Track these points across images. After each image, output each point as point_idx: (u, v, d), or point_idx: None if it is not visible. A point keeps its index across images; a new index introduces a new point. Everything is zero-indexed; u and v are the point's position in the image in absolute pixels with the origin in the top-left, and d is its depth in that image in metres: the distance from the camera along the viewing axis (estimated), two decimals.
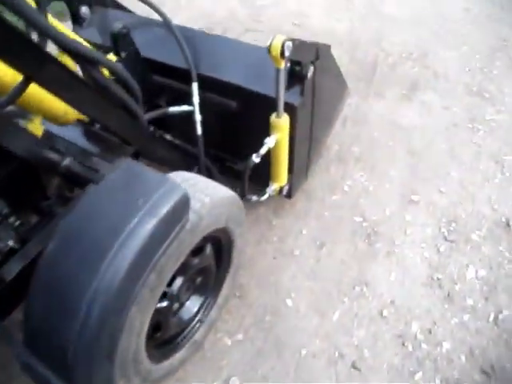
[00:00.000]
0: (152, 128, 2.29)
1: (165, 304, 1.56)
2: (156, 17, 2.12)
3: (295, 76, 1.82)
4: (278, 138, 1.82)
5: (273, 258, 2.27)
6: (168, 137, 2.31)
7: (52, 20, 1.61)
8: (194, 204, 1.43)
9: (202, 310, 1.86)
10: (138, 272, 1.21)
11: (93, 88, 1.32)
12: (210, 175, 2.14)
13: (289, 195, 2.26)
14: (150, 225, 1.19)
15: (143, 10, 2.21)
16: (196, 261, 1.64)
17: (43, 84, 1.20)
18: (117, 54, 1.83)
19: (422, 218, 2.42)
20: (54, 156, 1.38)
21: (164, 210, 1.22)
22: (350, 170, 2.68)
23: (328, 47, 2.07)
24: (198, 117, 1.99)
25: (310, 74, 1.83)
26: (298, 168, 2.19)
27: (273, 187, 2.04)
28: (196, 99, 1.97)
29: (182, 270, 1.54)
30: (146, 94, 2.28)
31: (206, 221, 1.48)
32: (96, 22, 2.26)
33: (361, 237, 2.34)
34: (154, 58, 2.05)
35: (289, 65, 1.79)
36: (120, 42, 1.81)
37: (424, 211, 2.46)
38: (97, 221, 1.21)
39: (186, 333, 1.81)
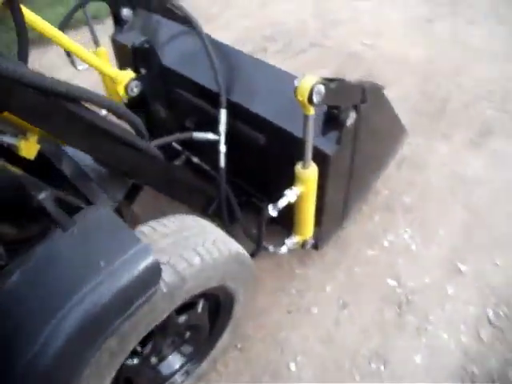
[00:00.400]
0: (180, 148, 2.16)
1: (136, 361, 1.41)
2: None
3: (333, 120, 1.59)
4: (303, 191, 1.59)
5: (287, 312, 2.05)
6: (195, 159, 2.16)
7: (32, 16, 1.49)
8: (179, 263, 1.27)
9: (189, 363, 1.69)
10: (88, 339, 1.07)
11: (78, 121, 1.18)
12: (230, 209, 1.95)
13: (315, 247, 2.03)
14: (106, 292, 1.05)
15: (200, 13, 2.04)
16: (183, 318, 1.48)
17: (18, 115, 1.07)
18: (136, 70, 1.68)
19: (467, 294, 2.09)
20: (29, 187, 1.26)
21: (126, 278, 1.08)
22: (396, 222, 2.38)
23: (380, 88, 1.81)
24: (222, 148, 1.81)
25: (350, 121, 1.58)
26: (329, 219, 1.95)
27: (294, 240, 1.82)
28: (223, 128, 1.79)
29: (162, 328, 1.39)
30: (172, 114, 2.15)
31: (191, 283, 1.30)
32: (137, 25, 2.15)
33: (391, 304, 2.06)
34: (183, 73, 1.90)
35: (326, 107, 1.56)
36: (140, 57, 1.66)
37: (471, 285, 2.12)
38: (51, 277, 1.08)
39: None
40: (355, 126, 1.65)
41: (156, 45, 2.05)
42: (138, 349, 1.40)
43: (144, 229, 1.36)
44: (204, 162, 2.15)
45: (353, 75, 3.29)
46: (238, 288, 1.59)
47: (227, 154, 1.86)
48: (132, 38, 2.16)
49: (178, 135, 1.79)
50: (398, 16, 3.88)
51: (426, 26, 3.73)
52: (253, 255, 1.83)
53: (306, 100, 1.28)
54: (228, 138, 1.83)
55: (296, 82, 1.29)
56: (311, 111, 1.34)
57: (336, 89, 1.37)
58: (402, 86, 3.20)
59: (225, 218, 1.92)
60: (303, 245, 1.89)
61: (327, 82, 1.33)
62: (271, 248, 1.82)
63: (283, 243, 1.84)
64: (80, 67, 2.22)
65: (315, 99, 1.29)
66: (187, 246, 1.33)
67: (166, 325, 1.40)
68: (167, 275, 1.24)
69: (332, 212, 1.93)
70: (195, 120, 1.99)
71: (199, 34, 1.82)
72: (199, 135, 1.84)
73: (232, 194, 1.98)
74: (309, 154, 1.50)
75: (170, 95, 1.98)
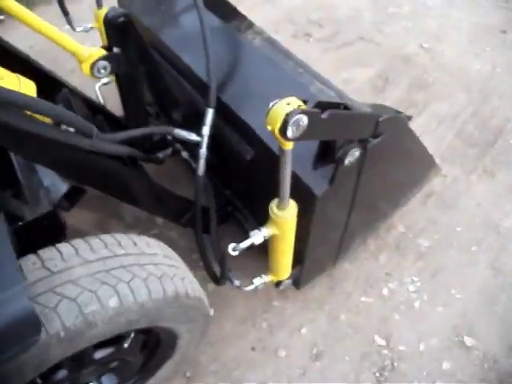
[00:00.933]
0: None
1: None
2: None
3: (329, 153, 1.26)
4: (276, 234, 1.29)
5: (251, 349, 1.78)
6: (184, 154, 1.89)
7: None
8: (88, 304, 1.03)
9: None
10: None
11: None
12: (206, 220, 1.67)
13: (296, 285, 1.74)
14: None
15: None
16: (104, 352, 1.25)
17: None
18: (108, 48, 1.40)
19: (466, 375, 1.74)
20: None
21: None
22: (404, 267, 2.03)
23: (405, 120, 1.46)
24: (203, 152, 1.52)
25: (351, 159, 1.25)
26: (315, 259, 1.65)
27: (266, 279, 1.53)
28: (207, 130, 1.50)
29: (72, 361, 1.17)
30: (159, 101, 1.87)
31: (101, 328, 1.06)
32: None
33: (372, 366, 1.75)
34: (176, 52, 1.64)
35: None
36: (113, 33, 1.37)
37: (473, 365, 1.76)
38: None
39: None
40: (360, 163, 1.32)
41: (160, 16, 1.78)
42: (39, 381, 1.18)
43: (64, 249, 1.12)
44: (193, 159, 1.88)
45: (399, 81, 2.89)
46: (179, 328, 1.34)
47: (213, 159, 1.58)
48: (140, 4, 1.90)
49: (153, 128, 1.52)
50: (468, 20, 3.35)
51: (498, 38, 3.20)
52: (217, 283, 1.58)
53: (276, 131, 0.95)
54: (214, 142, 1.54)
55: (270, 104, 0.97)
56: (287, 146, 1.02)
57: (330, 120, 1.04)
58: (453, 103, 2.77)
59: (197, 231, 1.65)
60: (277, 284, 1.61)
61: (318, 110, 1.00)
62: (237, 283, 1.54)
63: (250, 282, 1.56)
64: (79, 29, 1.99)
65: (290, 133, 0.94)
66: (108, 281, 1.08)
67: (77, 359, 1.18)
68: (69, 317, 1.01)
69: (319, 252, 1.62)
70: (184, 113, 1.71)
71: (199, 12, 1.50)
72: (181, 133, 1.56)
73: (213, 203, 1.71)
74: (286, 193, 1.19)
75: (160, 76, 1.69)
